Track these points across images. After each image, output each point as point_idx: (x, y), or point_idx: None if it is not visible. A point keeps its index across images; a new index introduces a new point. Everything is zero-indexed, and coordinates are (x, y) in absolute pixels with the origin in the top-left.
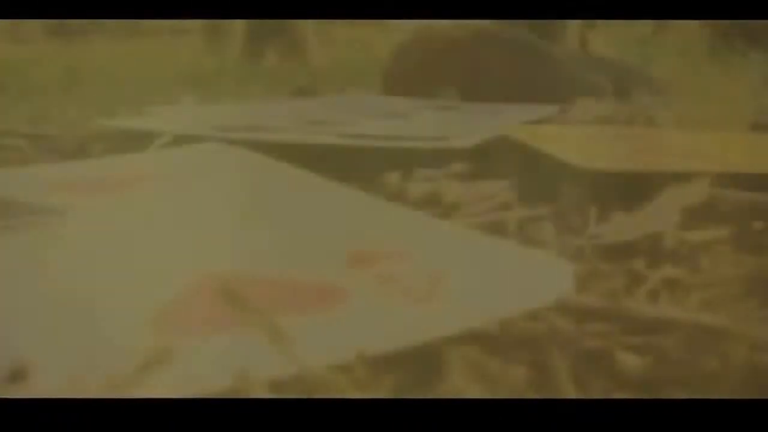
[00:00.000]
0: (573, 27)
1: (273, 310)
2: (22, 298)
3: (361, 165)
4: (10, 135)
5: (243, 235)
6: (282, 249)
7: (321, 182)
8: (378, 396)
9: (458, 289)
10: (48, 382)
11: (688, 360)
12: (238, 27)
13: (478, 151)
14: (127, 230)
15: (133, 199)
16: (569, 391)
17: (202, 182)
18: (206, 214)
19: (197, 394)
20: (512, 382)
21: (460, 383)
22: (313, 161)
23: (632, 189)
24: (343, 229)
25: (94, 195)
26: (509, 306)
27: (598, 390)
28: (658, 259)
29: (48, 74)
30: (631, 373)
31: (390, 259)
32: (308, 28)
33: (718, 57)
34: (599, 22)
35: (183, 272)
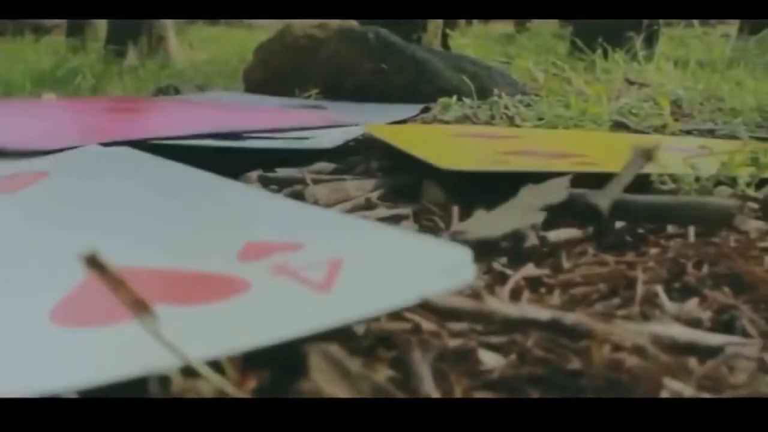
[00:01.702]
0: (434, 26)
1: (167, 303)
2: None
3: (223, 163)
4: None
5: (138, 231)
6: (177, 243)
7: (214, 178)
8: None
9: (355, 278)
10: None
11: (550, 359)
12: (99, 26)
13: (341, 150)
14: (19, 228)
15: (23, 198)
16: (432, 391)
17: (94, 181)
18: (99, 211)
19: (83, 386)
20: (374, 381)
21: (322, 382)
22: (179, 160)
23: (494, 188)
24: (239, 222)
25: None
26: (408, 293)
27: (460, 389)
28: (520, 258)
29: None
30: (493, 372)
31: (285, 251)
32: (169, 27)
33: (579, 56)
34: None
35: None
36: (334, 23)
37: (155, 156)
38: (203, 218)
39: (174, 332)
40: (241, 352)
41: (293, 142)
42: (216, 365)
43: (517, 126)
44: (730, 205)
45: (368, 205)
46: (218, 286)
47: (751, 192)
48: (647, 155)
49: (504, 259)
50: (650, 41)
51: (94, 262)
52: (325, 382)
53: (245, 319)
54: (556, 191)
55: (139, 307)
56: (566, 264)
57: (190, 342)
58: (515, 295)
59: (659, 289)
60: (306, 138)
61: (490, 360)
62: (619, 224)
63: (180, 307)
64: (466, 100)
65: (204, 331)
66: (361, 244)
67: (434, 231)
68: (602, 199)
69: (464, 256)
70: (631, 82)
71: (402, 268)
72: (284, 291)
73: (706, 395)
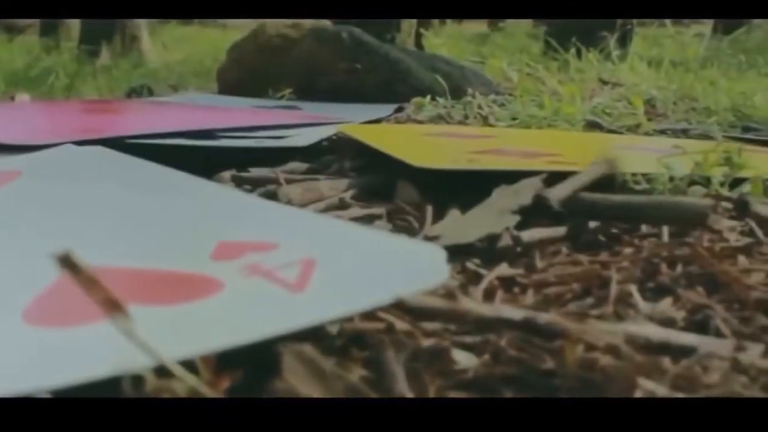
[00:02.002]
0: (408, 26)
1: (140, 303)
2: None
3: (197, 163)
4: None
5: (112, 230)
6: (150, 243)
7: (187, 177)
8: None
9: (328, 278)
10: None
11: (523, 359)
12: (73, 26)
13: (314, 150)
14: None
15: None
16: (405, 391)
17: (68, 180)
18: (73, 210)
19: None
20: (348, 381)
21: (295, 382)
22: (153, 159)
23: (468, 188)
24: (211, 222)
25: None
26: (382, 293)
27: (434, 389)
28: (493, 258)
29: None
30: (466, 372)
31: (258, 250)
32: (143, 27)
33: (553, 56)
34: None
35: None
36: (308, 23)
37: (129, 155)
38: (176, 218)
39: (147, 332)
40: (214, 352)
41: (267, 141)
42: (190, 365)
43: (491, 126)
44: (704, 205)
45: (342, 205)
46: (191, 286)
47: (724, 192)
48: (609, 165)
49: (478, 259)
50: (624, 41)
51: (67, 262)
52: (299, 382)
53: (218, 319)
54: (529, 192)
55: (113, 306)
56: (540, 264)
57: (163, 342)
58: (489, 295)
59: (633, 288)
60: (280, 137)
61: (463, 360)
62: (593, 224)
63: (153, 306)
64: (440, 100)
65: (177, 330)
66: (335, 244)
67: (408, 231)
68: (552, 194)
69: (438, 255)
70: (604, 82)
71: (375, 268)
72: (257, 291)
73: (679, 395)
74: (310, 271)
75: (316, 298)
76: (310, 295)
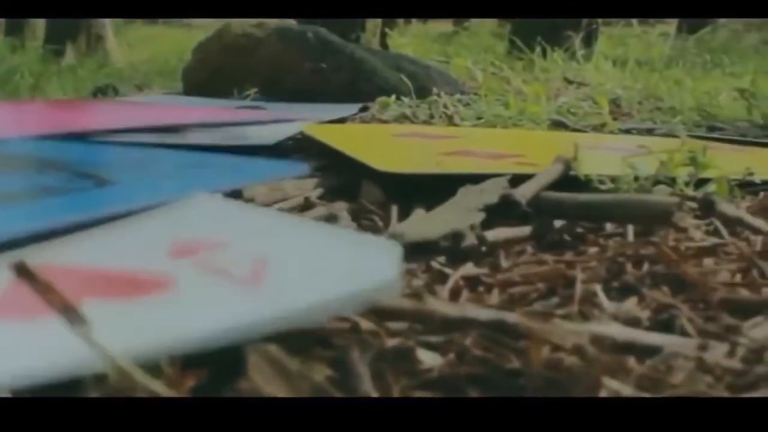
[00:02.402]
0: (373, 26)
1: (95, 300)
2: None
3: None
4: None
5: (68, 227)
6: (106, 240)
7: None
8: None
9: (281, 274)
10: None
11: (489, 358)
12: (38, 25)
13: (279, 149)
14: None
15: None
16: (370, 391)
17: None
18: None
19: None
20: (313, 380)
21: (261, 382)
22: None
23: (433, 187)
24: (167, 220)
25: None
26: (335, 290)
27: (399, 389)
28: (459, 257)
29: None
30: (431, 372)
31: (213, 248)
32: (108, 27)
33: (518, 56)
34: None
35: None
36: (273, 22)
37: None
38: (134, 215)
39: (103, 329)
40: (177, 351)
41: (234, 138)
42: (154, 364)
43: (456, 125)
44: (669, 203)
45: (307, 205)
46: (146, 283)
47: (689, 191)
48: (566, 164)
49: (443, 259)
50: (589, 40)
51: (22, 270)
52: (264, 381)
53: (172, 315)
54: (494, 191)
55: (70, 312)
56: (505, 263)
57: (119, 338)
58: (454, 295)
59: (598, 288)
60: (245, 135)
61: (428, 359)
62: (558, 223)
63: (108, 303)
64: (405, 100)
65: (131, 327)
66: (289, 242)
67: (373, 230)
68: (519, 193)
69: (391, 251)
70: (569, 82)
71: (329, 264)
72: (211, 287)
73: (645, 394)
74: (263, 268)
75: (269, 294)
76: (262, 292)
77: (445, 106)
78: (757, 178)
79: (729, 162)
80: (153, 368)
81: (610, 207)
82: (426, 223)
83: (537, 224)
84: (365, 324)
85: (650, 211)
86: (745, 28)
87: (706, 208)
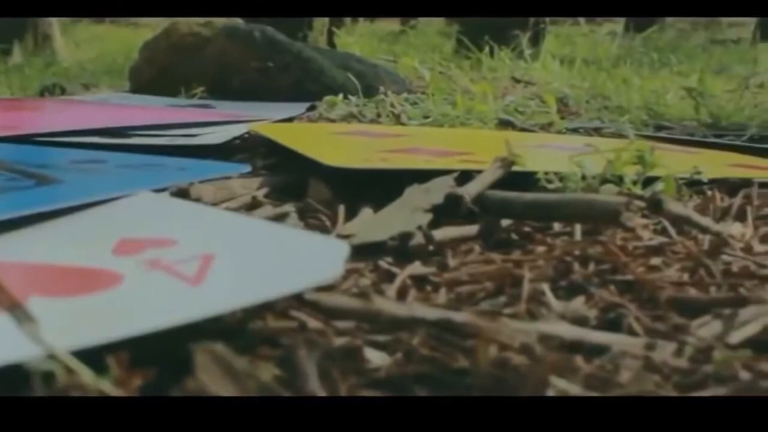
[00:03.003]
0: (320, 25)
1: (41, 296)
2: None
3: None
4: None
5: (14, 225)
6: (53, 237)
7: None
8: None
9: (226, 272)
10: None
11: (436, 357)
12: None
13: (226, 148)
14: None
15: None
16: (317, 389)
17: None
18: None
19: None
20: (260, 379)
21: (208, 381)
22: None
23: (380, 186)
24: (114, 218)
25: None
26: (279, 287)
27: (346, 387)
28: (406, 256)
29: None
30: (379, 371)
31: (159, 246)
32: (55, 26)
33: (466, 55)
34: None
35: None
36: (220, 21)
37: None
38: (80, 213)
39: (50, 326)
40: (124, 350)
41: (179, 139)
42: (101, 363)
43: (403, 124)
44: (617, 202)
45: (254, 204)
46: (92, 279)
47: (637, 190)
48: (506, 163)
49: (390, 258)
50: (536, 39)
51: None
52: (211, 380)
53: (118, 312)
54: (441, 190)
55: (17, 310)
56: (452, 262)
57: (64, 333)
58: (402, 294)
59: (545, 287)
60: (192, 135)
61: (376, 358)
62: (505, 222)
63: (54, 298)
64: (352, 99)
65: (77, 322)
66: (235, 240)
67: (321, 229)
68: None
69: (336, 249)
70: (517, 80)
71: (273, 262)
72: (156, 284)
73: (592, 394)
74: (208, 265)
75: (214, 291)
76: (207, 288)
77: (393, 105)
78: (704, 177)
79: (676, 161)
80: (100, 367)
81: (558, 206)
82: (373, 224)
83: (484, 223)
84: (312, 323)
85: (598, 210)
86: (692, 28)
87: (654, 207)
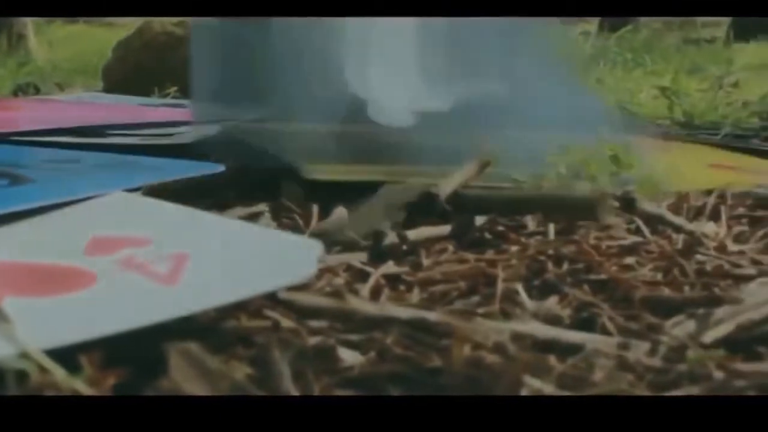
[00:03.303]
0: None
1: (14, 295)
2: None
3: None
4: None
5: None
6: (26, 236)
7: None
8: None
9: (201, 271)
10: None
11: (410, 357)
12: None
13: (200, 147)
14: None
15: None
16: (291, 389)
17: None
18: None
19: None
20: (233, 379)
21: (181, 380)
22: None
23: (354, 186)
24: (87, 217)
25: None
26: (253, 287)
27: (320, 387)
28: (380, 256)
29: None
30: (352, 370)
31: (133, 245)
32: (29, 25)
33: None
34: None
35: None
36: (193, 21)
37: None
38: (54, 212)
39: (24, 326)
40: (97, 349)
41: (153, 138)
42: (74, 362)
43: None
44: (592, 198)
45: (227, 203)
46: (65, 279)
47: (610, 190)
48: (482, 165)
49: (364, 257)
50: None
51: None
52: (184, 380)
53: (91, 311)
54: (415, 189)
55: None
56: (426, 262)
57: (39, 335)
58: (375, 294)
59: (519, 286)
60: (166, 134)
61: (349, 358)
62: (479, 222)
63: (27, 298)
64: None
65: (51, 321)
66: (209, 239)
67: (294, 229)
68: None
69: (310, 248)
70: None
71: (247, 261)
72: (130, 284)
73: (566, 393)
74: (182, 264)
75: (188, 290)
76: (181, 288)
77: None
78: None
79: (651, 160)
80: (74, 366)
81: (532, 203)
82: (348, 224)
83: (458, 222)
84: (286, 322)
85: (572, 206)
86: (666, 27)
87: (627, 206)
